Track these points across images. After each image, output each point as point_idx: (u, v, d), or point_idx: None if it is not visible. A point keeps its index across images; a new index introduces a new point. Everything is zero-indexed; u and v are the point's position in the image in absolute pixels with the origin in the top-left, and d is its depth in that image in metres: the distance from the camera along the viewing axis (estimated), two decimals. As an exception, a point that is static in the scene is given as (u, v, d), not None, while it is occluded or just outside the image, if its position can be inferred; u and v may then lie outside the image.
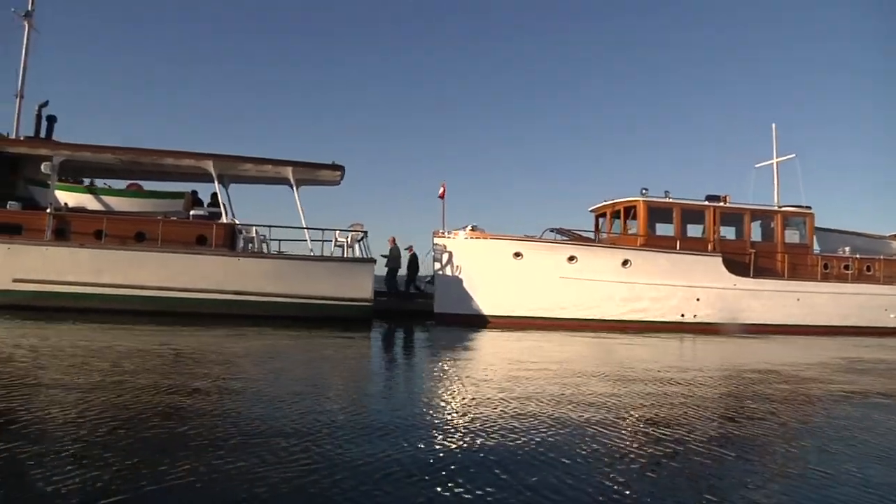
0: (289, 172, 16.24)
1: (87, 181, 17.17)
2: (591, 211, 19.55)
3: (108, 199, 15.82)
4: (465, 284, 16.61)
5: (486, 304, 16.53)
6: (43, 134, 16.36)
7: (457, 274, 16.66)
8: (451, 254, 16.78)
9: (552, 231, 17.49)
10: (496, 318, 16.45)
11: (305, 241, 17.06)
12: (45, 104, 16.42)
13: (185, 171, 16.84)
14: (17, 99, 16.80)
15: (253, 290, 15.04)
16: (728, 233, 17.95)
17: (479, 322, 16.44)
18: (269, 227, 16.30)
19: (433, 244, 16.93)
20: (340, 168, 16.43)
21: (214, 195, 17.45)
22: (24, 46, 16.84)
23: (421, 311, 17.68)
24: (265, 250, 16.30)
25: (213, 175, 15.89)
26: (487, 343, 13.07)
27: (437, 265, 16.88)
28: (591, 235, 18.22)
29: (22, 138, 16.06)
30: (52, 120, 16.46)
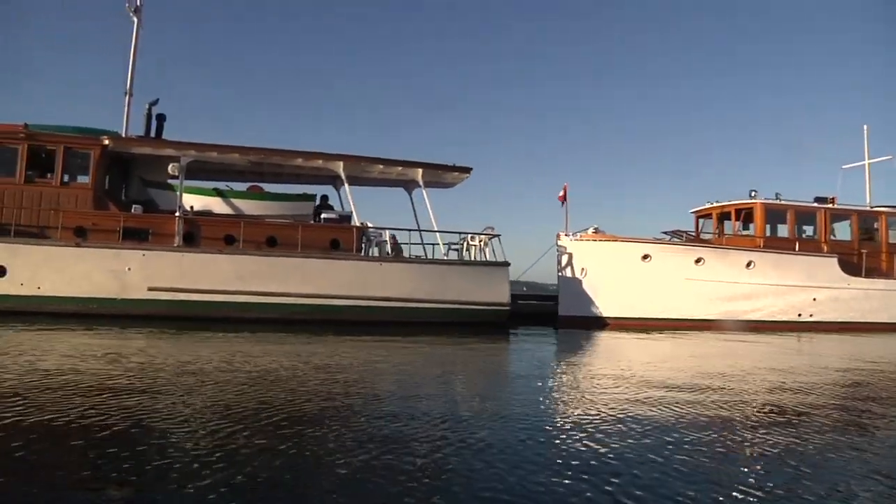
0: (418, 174, 15.87)
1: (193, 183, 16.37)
2: (693, 213, 19.78)
3: (237, 202, 15.11)
4: (590, 287, 16.57)
5: (611, 307, 16.53)
6: (153, 133, 15.56)
7: (581, 276, 16.61)
8: (571, 255, 16.73)
9: (666, 234, 17.66)
10: (619, 319, 16.48)
11: (420, 244, 16.81)
12: (156, 102, 15.62)
13: (309, 173, 16.27)
14: (126, 97, 15.86)
15: (395, 295, 14.63)
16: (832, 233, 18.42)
17: (602, 324, 16.45)
18: (406, 230, 15.87)
19: (557, 246, 16.84)
20: (469, 170, 16.17)
21: (325, 197, 16.94)
22: (133, 43, 15.93)
23: (538, 313, 17.55)
24: (390, 254, 15.87)
25: (342, 177, 15.37)
26: (634, 346, 13.07)
27: (560, 268, 16.80)
28: (706, 238, 18.41)
29: (136, 137, 15.21)
30: (161, 118, 15.66)
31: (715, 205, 18.82)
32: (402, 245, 16.12)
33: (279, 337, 11.34)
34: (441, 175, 16.11)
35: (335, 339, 11.65)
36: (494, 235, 15.93)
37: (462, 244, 15.92)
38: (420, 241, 16.77)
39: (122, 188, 15.82)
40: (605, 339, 14.17)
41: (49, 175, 14.46)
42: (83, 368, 6.98)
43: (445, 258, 15.59)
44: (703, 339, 14.49)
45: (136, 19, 16.01)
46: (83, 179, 14.58)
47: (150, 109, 15.53)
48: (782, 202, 17.59)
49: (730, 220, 18.51)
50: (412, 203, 17.19)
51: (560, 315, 16.62)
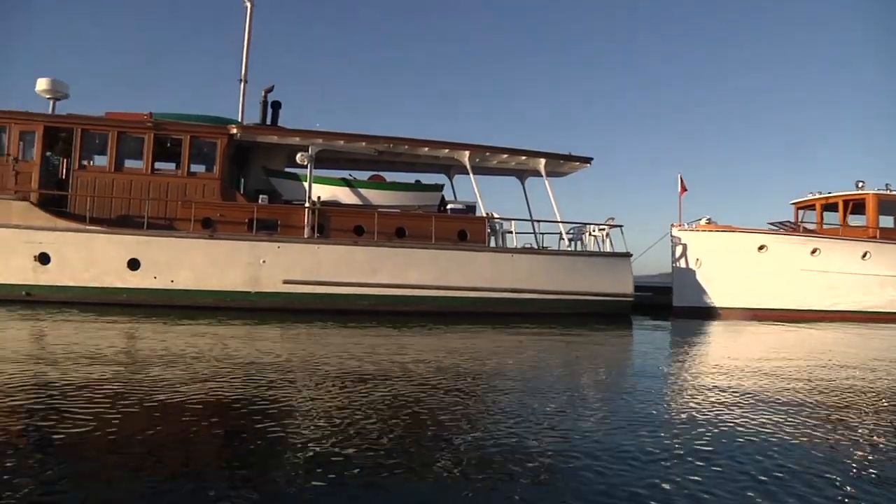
0: (540, 164, 15.62)
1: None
2: (794, 204, 19.71)
3: (364, 191, 14.78)
4: (704, 277, 16.47)
5: (726, 297, 16.43)
6: (269, 121, 15.17)
7: (696, 267, 16.49)
8: (685, 246, 16.60)
9: (772, 224, 17.57)
10: (733, 310, 16.39)
11: (532, 233, 16.62)
12: (271, 89, 15.24)
13: (424, 162, 15.97)
14: (241, 84, 15.50)
15: (525, 287, 14.43)
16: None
17: (717, 315, 16.37)
18: (527, 220, 15.67)
19: (671, 236, 16.69)
20: (589, 160, 15.94)
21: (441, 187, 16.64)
22: (247, 28, 15.54)
23: (650, 304, 17.41)
24: (510, 244, 15.65)
25: (467, 166, 15.07)
26: (761, 336, 12.88)
27: (674, 259, 16.67)
28: (809, 227, 18.33)
29: (263, 126, 14.81)
30: (276, 106, 15.29)
31: (818, 196, 18.73)
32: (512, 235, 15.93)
33: (419, 330, 11.04)
34: (560, 165, 15.88)
35: (467, 330, 11.37)
36: (616, 226, 15.76)
37: (583, 234, 15.74)
38: (533, 231, 16.60)
39: (239, 177, 15.46)
40: (727, 329, 13.97)
41: (175, 165, 14.11)
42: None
43: (572, 249, 15.38)
44: (829, 329, 14.40)
45: (249, 4, 15.56)
46: (208, 169, 14.21)
47: (265, 97, 15.14)
48: (894, 193, 17.52)
49: (834, 211, 18.43)
50: (524, 192, 16.99)
51: (674, 305, 16.52)
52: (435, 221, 14.34)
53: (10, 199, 12.97)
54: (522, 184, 17.10)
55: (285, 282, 13.34)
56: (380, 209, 14.33)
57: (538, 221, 16.01)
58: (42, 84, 14.00)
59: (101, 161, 13.96)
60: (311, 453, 3.55)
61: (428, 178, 16.56)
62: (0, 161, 13.52)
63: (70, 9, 52.49)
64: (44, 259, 12.90)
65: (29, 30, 45.52)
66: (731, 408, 5.06)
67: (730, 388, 6.03)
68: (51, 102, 14.18)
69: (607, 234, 15.62)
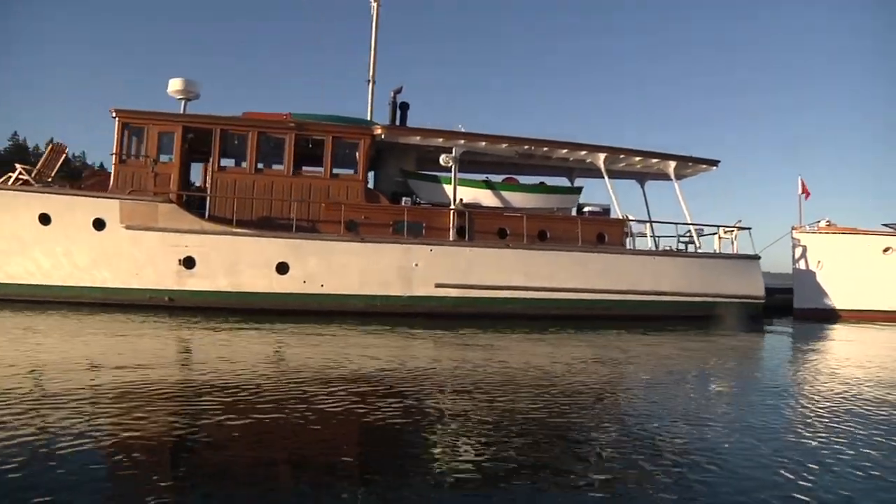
0: (669, 167, 15.49)
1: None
2: None
3: (507, 195, 14.49)
4: (826, 279, 16.41)
5: (849, 299, 16.38)
6: (397, 121, 14.89)
7: (817, 269, 16.44)
8: (805, 248, 16.56)
9: (886, 226, 17.59)
10: (856, 312, 16.32)
11: (652, 236, 16.45)
12: (400, 90, 14.98)
13: (556, 165, 15.76)
14: (369, 84, 15.21)
15: (666, 289, 14.23)
16: None
17: (838, 317, 16.30)
18: (663, 223, 15.52)
19: (791, 239, 16.65)
20: (716, 163, 15.87)
21: None
22: (373, 28, 15.26)
23: (769, 305, 17.27)
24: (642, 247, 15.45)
25: (602, 169, 14.88)
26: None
27: (795, 261, 16.62)
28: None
29: (406, 127, 14.51)
30: (405, 107, 15.04)
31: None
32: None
33: (575, 334, 10.87)
34: (693, 167, 15.77)
35: (621, 334, 11.21)
36: (744, 228, 15.66)
37: (700, 237, 15.59)
38: (652, 234, 16.43)
39: (372, 178, 15.13)
40: (857, 333, 13.92)
41: (318, 166, 13.76)
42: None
43: (707, 252, 15.24)
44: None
45: (375, 4, 15.31)
46: (347, 170, 13.85)
47: (394, 97, 14.87)
48: None
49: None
50: (644, 195, 16.85)
51: (795, 307, 16.45)
52: (576, 224, 14.12)
53: (156, 201, 12.51)
54: (642, 186, 16.97)
55: (437, 285, 13.00)
56: (522, 212, 14.05)
57: (674, 224, 15.84)
58: (176, 84, 13.59)
59: (238, 162, 13.60)
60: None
61: (550, 181, 16.35)
62: (138, 163, 13.08)
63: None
64: (189, 263, 12.43)
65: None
66: None
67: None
68: (182, 103, 13.78)
69: (736, 237, 15.52)
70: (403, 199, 13.82)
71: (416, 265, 12.92)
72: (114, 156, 13.02)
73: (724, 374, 7.66)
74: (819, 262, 16.41)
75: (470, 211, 13.81)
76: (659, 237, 16.41)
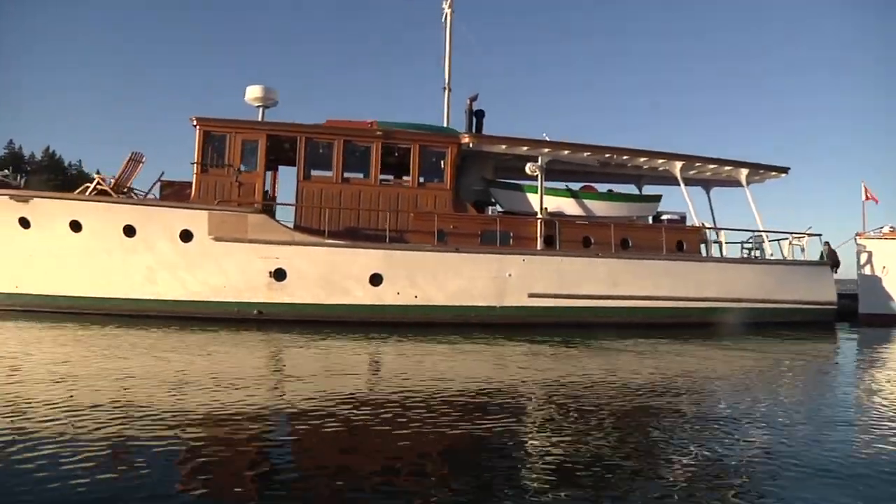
0: (742, 174, 15.54)
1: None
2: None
3: (590, 203, 14.37)
4: (890, 285, 16.59)
5: (911, 304, 16.57)
6: (473, 129, 14.71)
7: (882, 275, 16.63)
8: (871, 254, 16.74)
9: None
10: (915, 317, 16.52)
11: (717, 242, 16.45)
12: (476, 97, 14.78)
13: (628, 173, 15.70)
14: (445, 92, 15.02)
15: (745, 296, 14.21)
16: None
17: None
18: (737, 230, 15.57)
19: (856, 244, 16.81)
20: (786, 170, 15.96)
21: None
22: (447, 34, 15.08)
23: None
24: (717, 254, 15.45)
25: (678, 177, 14.87)
26: None
27: (859, 266, 16.78)
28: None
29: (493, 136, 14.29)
30: (480, 115, 14.84)
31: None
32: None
33: (668, 343, 10.75)
34: (763, 174, 15.84)
35: (718, 344, 11.16)
36: (814, 235, 15.78)
37: (762, 243, 15.63)
38: (716, 240, 16.41)
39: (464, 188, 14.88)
40: None
41: (404, 175, 13.52)
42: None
43: (781, 259, 15.29)
44: None
45: (448, 11, 15.16)
46: (432, 179, 13.63)
47: (470, 105, 14.69)
48: None
49: None
50: (709, 202, 16.86)
51: (860, 313, 16.59)
52: (660, 233, 14.08)
53: (246, 211, 12.16)
54: (707, 193, 17.00)
55: (530, 295, 12.83)
56: (613, 221, 13.95)
57: (750, 231, 15.88)
58: (255, 91, 13.28)
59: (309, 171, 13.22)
60: None
61: (619, 188, 16.28)
62: (221, 172, 12.72)
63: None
64: (279, 275, 12.10)
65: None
66: None
67: None
68: (260, 110, 13.46)
69: (807, 244, 15.63)
70: (489, 208, 13.64)
71: (510, 275, 12.74)
72: (195, 165, 12.64)
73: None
74: (884, 267, 16.59)
75: (555, 219, 13.68)
76: (727, 244, 16.44)
